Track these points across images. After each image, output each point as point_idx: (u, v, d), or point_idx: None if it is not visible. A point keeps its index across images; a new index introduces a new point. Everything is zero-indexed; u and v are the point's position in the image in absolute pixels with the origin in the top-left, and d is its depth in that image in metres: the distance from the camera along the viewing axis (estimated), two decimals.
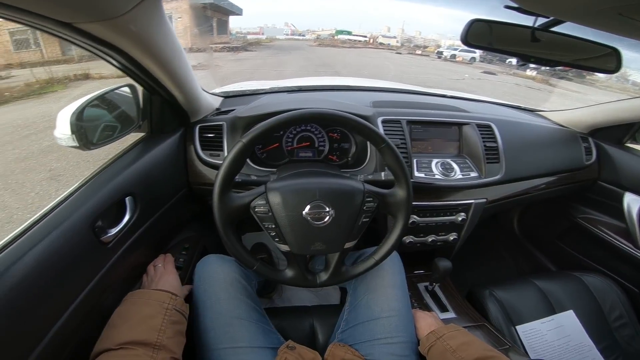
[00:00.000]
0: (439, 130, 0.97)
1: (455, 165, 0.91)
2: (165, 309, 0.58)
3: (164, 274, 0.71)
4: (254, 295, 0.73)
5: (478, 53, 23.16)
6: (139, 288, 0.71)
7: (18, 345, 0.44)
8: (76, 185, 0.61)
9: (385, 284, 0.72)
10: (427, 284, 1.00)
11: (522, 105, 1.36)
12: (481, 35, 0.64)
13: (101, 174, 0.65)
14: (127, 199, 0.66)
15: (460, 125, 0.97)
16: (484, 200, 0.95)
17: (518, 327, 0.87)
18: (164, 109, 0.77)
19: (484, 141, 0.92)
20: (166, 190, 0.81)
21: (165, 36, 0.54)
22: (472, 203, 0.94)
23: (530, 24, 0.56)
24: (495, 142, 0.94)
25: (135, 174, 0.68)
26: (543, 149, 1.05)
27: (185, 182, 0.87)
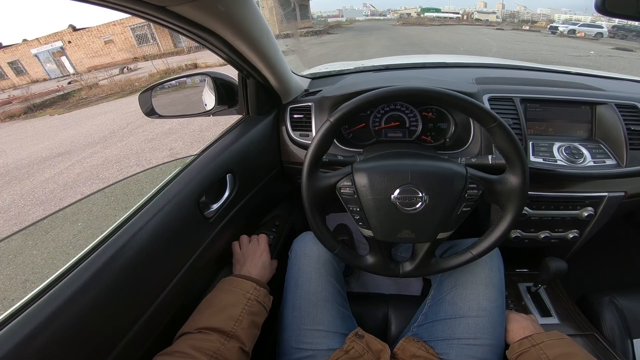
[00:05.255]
0: (564, 110, 0.81)
1: (585, 151, 0.76)
2: (248, 299, 0.59)
3: (256, 252, 0.72)
4: (341, 278, 0.72)
5: (605, 28, 18.30)
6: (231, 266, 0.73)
7: (129, 313, 0.47)
8: (186, 162, 0.66)
9: (477, 281, 0.64)
10: (530, 284, 0.88)
11: None
12: (624, 3, 0.52)
13: (206, 153, 0.69)
14: (228, 176, 0.72)
15: (593, 104, 0.80)
16: (622, 194, 0.78)
17: (636, 341, 0.73)
18: (259, 92, 0.81)
19: (627, 124, 0.75)
20: (261, 169, 0.85)
21: (253, 17, 0.54)
22: (604, 196, 0.78)
23: None
24: None
25: (235, 152, 0.73)
26: None
27: (279, 160, 0.91)
